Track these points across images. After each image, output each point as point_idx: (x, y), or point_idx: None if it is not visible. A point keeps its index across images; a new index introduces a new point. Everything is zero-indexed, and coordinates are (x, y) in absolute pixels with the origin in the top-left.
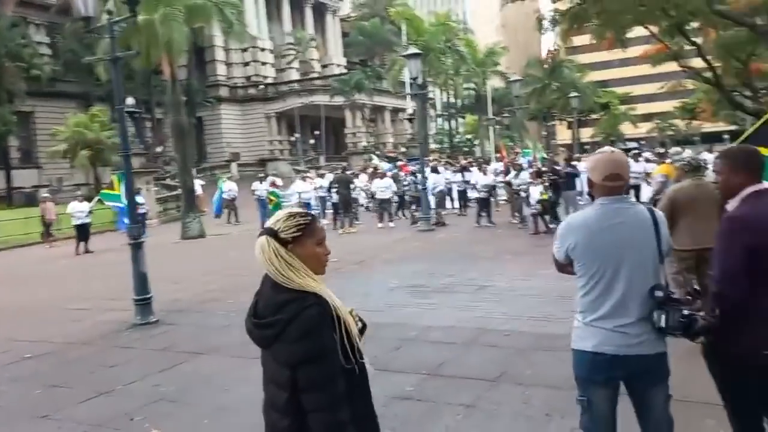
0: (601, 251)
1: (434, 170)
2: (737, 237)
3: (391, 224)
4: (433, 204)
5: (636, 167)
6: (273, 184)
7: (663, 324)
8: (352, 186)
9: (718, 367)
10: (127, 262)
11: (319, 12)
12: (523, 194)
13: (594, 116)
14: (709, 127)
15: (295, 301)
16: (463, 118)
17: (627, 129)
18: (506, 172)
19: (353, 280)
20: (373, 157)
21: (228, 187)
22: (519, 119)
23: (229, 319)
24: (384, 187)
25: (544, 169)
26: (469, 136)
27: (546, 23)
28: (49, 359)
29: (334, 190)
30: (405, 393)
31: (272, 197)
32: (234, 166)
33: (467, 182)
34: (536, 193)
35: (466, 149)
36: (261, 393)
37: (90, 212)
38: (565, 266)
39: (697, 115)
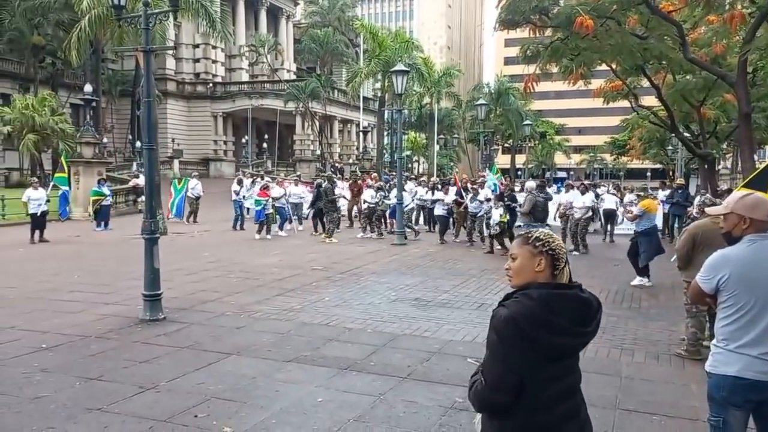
0: (755, 284)
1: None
2: None
3: (367, 235)
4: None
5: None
6: (267, 189)
7: None
8: (333, 196)
9: None
10: (91, 252)
11: (274, 15)
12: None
13: (530, 144)
14: (634, 164)
15: (592, 295)
16: (406, 134)
17: (558, 159)
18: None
19: (349, 290)
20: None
21: (193, 184)
22: (462, 141)
23: (240, 320)
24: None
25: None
26: (408, 153)
27: (528, 53)
28: (69, 351)
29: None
30: (458, 404)
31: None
32: (176, 163)
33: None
34: (497, 215)
35: (409, 166)
36: (314, 397)
37: (48, 200)
38: (704, 296)
39: (626, 152)
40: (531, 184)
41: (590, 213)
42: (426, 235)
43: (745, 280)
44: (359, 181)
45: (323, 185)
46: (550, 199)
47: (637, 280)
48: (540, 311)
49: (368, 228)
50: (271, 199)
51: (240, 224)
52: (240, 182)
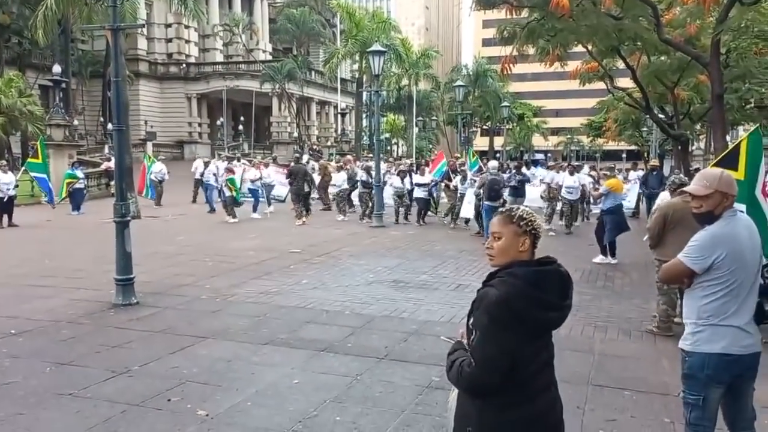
0: (744, 259)
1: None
2: None
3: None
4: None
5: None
6: (230, 171)
7: None
8: (307, 177)
9: None
10: (62, 237)
11: None
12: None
13: (508, 126)
14: (610, 145)
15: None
16: (385, 116)
17: (536, 141)
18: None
19: (327, 272)
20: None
21: (158, 168)
22: (441, 123)
23: (215, 304)
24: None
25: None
26: (387, 135)
27: (504, 34)
28: (40, 337)
29: (288, 180)
30: (435, 383)
31: (230, 185)
32: (149, 145)
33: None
34: None
35: (388, 148)
36: (290, 379)
37: (17, 185)
38: (686, 276)
39: (602, 134)
40: (493, 163)
41: (580, 194)
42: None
43: (739, 256)
44: (322, 161)
45: (290, 166)
46: (528, 180)
47: (599, 258)
48: (530, 289)
49: (344, 211)
50: (227, 180)
51: (211, 206)
52: (206, 164)
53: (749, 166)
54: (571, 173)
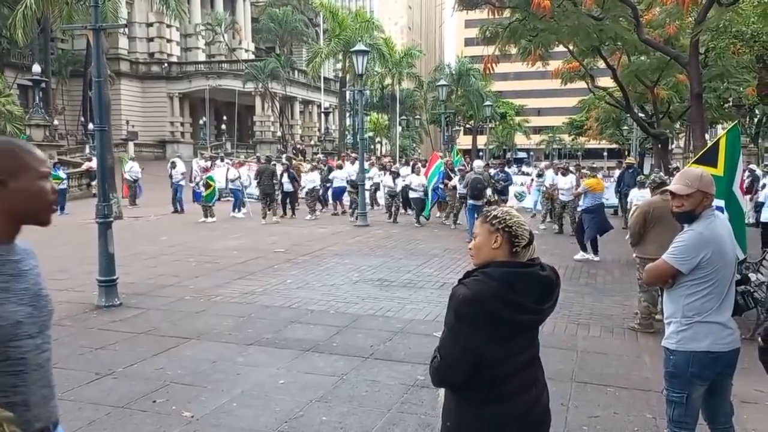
0: (727, 257)
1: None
2: None
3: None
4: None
5: None
6: (206, 170)
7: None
8: (275, 178)
9: None
10: (43, 238)
11: None
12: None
13: (491, 125)
14: (592, 144)
15: (552, 269)
16: (368, 115)
17: (518, 139)
18: (448, 177)
19: (312, 272)
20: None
21: (129, 167)
22: (424, 122)
23: (199, 304)
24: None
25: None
26: (370, 134)
27: (487, 34)
28: None
29: (256, 181)
30: (420, 381)
31: (210, 182)
32: (131, 145)
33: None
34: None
35: (372, 147)
36: (275, 379)
37: None
38: (670, 276)
39: (583, 132)
40: (478, 162)
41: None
42: (383, 216)
43: (721, 255)
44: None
45: (259, 166)
46: (510, 182)
47: (580, 255)
48: (502, 291)
49: (313, 210)
50: (206, 178)
51: (180, 206)
52: (174, 165)
53: (728, 162)
54: (564, 174)
